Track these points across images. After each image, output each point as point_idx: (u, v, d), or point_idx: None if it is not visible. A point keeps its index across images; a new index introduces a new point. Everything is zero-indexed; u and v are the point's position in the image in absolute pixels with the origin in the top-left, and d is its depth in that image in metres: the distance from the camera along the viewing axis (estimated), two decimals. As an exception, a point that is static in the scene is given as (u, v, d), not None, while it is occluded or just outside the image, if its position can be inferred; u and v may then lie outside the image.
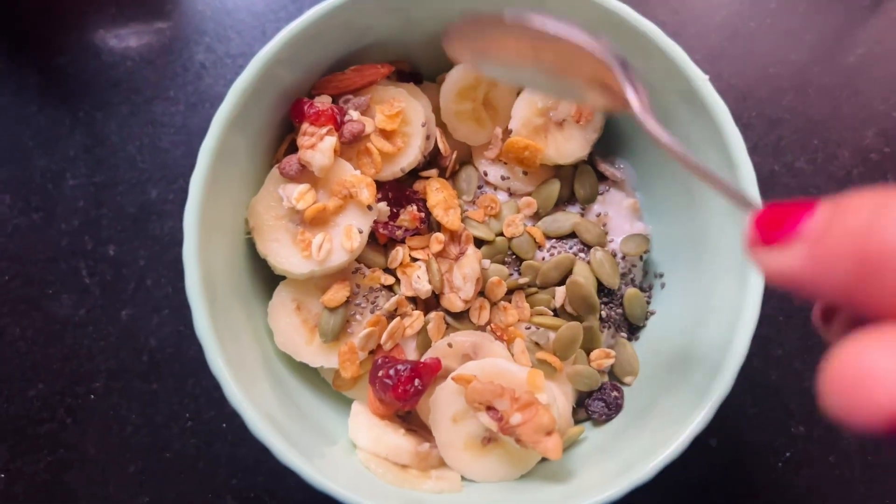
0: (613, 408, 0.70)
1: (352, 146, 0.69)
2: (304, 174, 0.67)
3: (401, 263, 0.71)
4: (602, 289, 0.72)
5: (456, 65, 0.72)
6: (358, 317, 0.69)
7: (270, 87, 0.66)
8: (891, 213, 0.29)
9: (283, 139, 0.72)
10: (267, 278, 0.71)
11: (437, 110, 0.74)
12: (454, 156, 0.74)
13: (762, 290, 0.61)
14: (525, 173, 0.74)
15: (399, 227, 0.71)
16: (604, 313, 0.72)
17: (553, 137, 0.72)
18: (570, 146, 0.72)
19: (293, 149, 0.70)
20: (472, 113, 0.74)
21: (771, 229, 0.35)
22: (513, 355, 0.69)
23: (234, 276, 0.68)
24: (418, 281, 0.69)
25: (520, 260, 0.73)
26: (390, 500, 0.60)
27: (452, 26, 0.54)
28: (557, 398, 0.67)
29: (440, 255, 0.71)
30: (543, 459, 0.66)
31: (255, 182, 0.69)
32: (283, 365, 0.70)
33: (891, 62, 0.92)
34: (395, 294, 0.70)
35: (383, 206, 0.70)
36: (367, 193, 0.66)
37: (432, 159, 0.75)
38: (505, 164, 0.75)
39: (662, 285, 0.75)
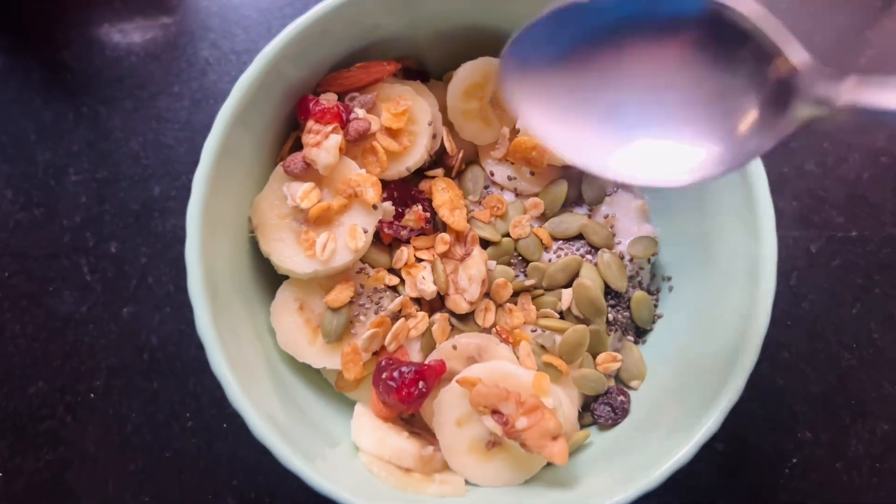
0: (620, 412, 0.69)
1: (357, 144, 0.68)
2: (308, 172, 0.66)
3: (405, 264, 0.70)
4: (609, 291, 0.71)
5: (463, 63, 0.71)
6: (362, 317, 0.68)
7: (276, 84, 0.65)
8: None
9: (287, 137, 0.71)
10: (270, 278, 0.70)
11: (443, 109, 0.73)
12: (460, 155, 0.73)
13: (773, 294, 0.60)
14: (532, 173, 0.73)
15: (404, 227, 0.70)
16: (611, 316, 0.71)
17: (561, 137, 0.71)
18: (578, 147, 0.71)
19: (298, 147, 0.69)
20: (479, 112, 0.73)
21: None
22: (518, 358, 0.68)
23: (236, 275, 0.67)
24: (423, 282, 0.68)
25: (526, 261, 0.72)
26: (393, 504, 0.59)
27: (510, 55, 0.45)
28: (563, 402, 0.66)
29: (445, 255, 0.70)
30: (548, 464, 0.65)
31: (260, 180, 0.69)
32: (285, 365, 0.69)
33: (903, 64, 0.91)
34: (400, 295, 0.69)
35: (388, 205, 0.69)
36: (372, 193, 0.66)
37: (438, 159, 0.74)
38: (512, 163, 0.74)
39: (670, 288, 0.74)
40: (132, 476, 0.79)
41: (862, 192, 0.86)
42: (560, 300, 0.70)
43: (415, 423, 0.70)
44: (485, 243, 0.71)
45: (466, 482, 0.65)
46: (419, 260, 0.71)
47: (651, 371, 0.71)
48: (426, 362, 0.67)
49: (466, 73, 0.71)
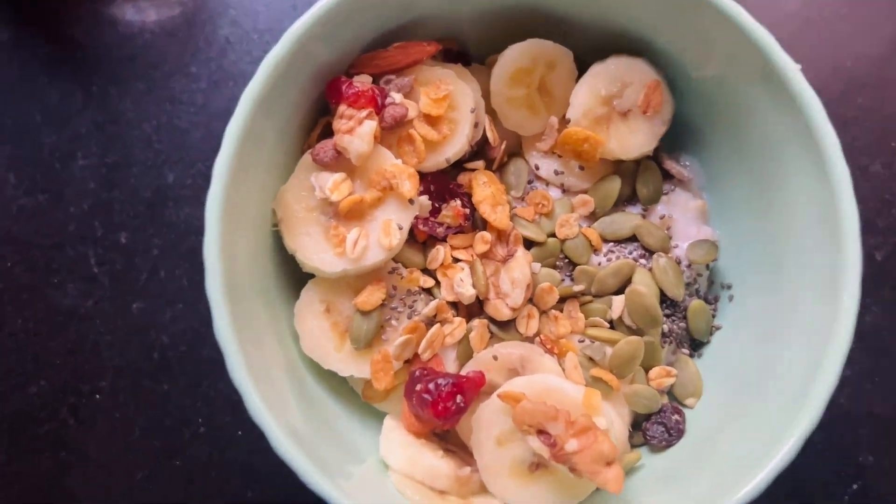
0: (675, 433, 0.63)
1: (392, 132, 0.63)
2: (339, 162, 0.61)
3: (441, 264, 0.64)
4: (664, 299, 0.65)
5: (508, 45, 0.65)
6: (393, 322, 0.62)
7: (303, 65, 0.60)
8: None
9: (315, 122, 0.65)
10: (293, 275, 0.65)
11: (485, 95, 0.67)
12: (503, 146, 0.67)
13: (857, 309, 0.54)
14: (581, 168, 0.67)
15: (441, 224, 0.64)
16: (665, 327, 0.65)
17: (616, 129, 0.65)
18: (634, 139, 0.65)
19: (327, 133, 0.63)
20: (525, 99, 0.67)
21: None
22: (564, 371, 0.62)
23: (257, 273, 0.61)
24: (461, 284, 0.63)
25: (573, 264, 0.66)
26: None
27: None
28: (614, 421, 0.60)
29: (485, 256, 0.64)
30: (598, 489, 0.59)
31: (284, 169, 0.63)
32: (308, 372, 0.64)
33: (977, 58, 0.84)
34: (435, 298, 0.63)
35: (424, 199, 0.63)
36: (409, 185, 0.60)
37: (479, 150, 0.68)
38: (559, 156, 0.68)
39: (730, 298, 0.68)
40: (138, 484, 0.75)
41: (930, 195, 0.80)
42: (610, 308, 0.65)
43: (449, 439, 0.64)
44: (528, 244, 0.66)
45: (506, 507, 0.59)
46: (456, 260, 0.65)
47: (708, 388, 0.66)
48: (464, 373, 0.61)
49: (513, 57, 0.65)
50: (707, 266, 0.68)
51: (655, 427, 0.64)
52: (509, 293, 0.62)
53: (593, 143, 0.64)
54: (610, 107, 0.65)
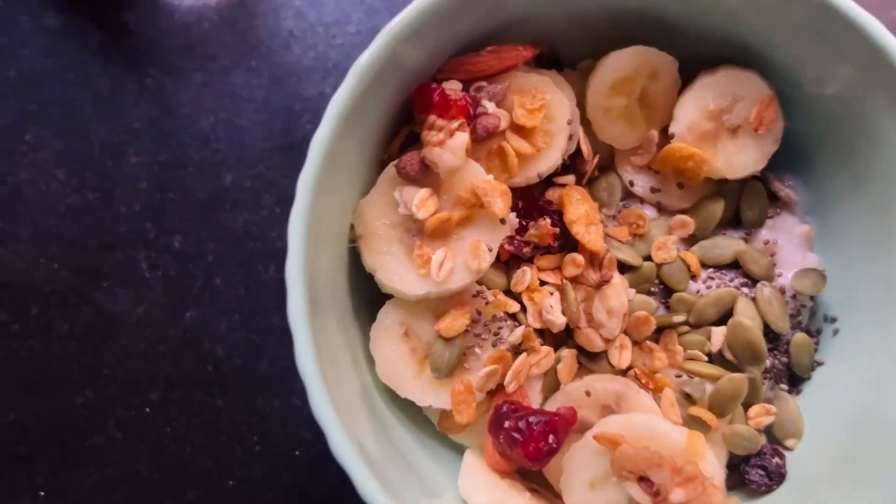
0: (776, 477, 0.59)
1: (482, 145, 0.58)
2: (425, 175, 0.56)
3: (528, 287, 0.59)
4: (766, 332, 0.60)
5: (605, 51, 0.60)
6: (477, 350, 0.58)
7: (393, 70, 0.54)
8: None
9: (396, 130, 0.60)
10: (369, 295, 0.60)
11: (579, 104, 0.62)
12: (596, 160, 0.62)
13: None
14: (681, 186, 0.62)
15: (527, 244, 0.59)
16: (767, 362, 0.60)
17: (724, 146, 0.60)
18: (742, 158, 0.60)
19: (409, 143, 0.58)
20: (624, 110, 0.62)
21: None
22: (660, 408, 0.57)
23: (334, 292, 0.57)
24: (550, 311, 0.58)
25: (669, 291, 0.61)
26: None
27: None
28: (714, 465, 0.56)
29: (575, 280, 0.59)
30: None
31: (364, 181, 0.59)
32: (381, 398, 0.59)
33: None
34: (521, 325, 0.59)
35: (513, 217, 0.58)
36: (501, 203, 0.55)
37: (570, 163, 0.63)
38: (656, 173, 0.62)
39: (835, 332, 0.63)
40: (188, 504, 0.70)
41: None
42: (709, 340, 0.60)
43: (533, 477, 0.60)
44: (620, 267, 0.60)
45: (598, 555, 0.55)
46: (542, 283, 0.60)
47: (809, 428, 0.61)
48: (553, 409, 0.56)
49: (615, 65, 0.60)
50: (812, 297, 0.63)
51: (755, 471, 0.59)
52: (604, 323, 0.58)
53: (699, 160, 0.59)
54: (718, 122, 0.60)
